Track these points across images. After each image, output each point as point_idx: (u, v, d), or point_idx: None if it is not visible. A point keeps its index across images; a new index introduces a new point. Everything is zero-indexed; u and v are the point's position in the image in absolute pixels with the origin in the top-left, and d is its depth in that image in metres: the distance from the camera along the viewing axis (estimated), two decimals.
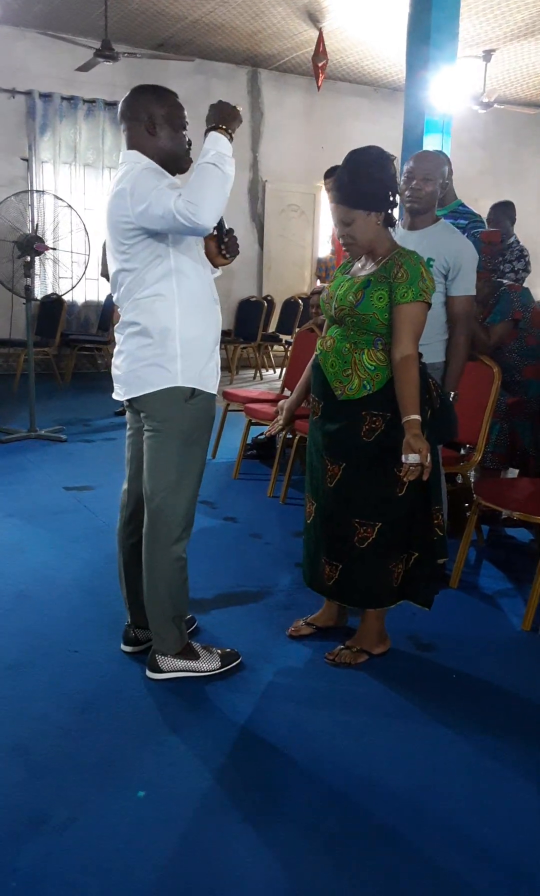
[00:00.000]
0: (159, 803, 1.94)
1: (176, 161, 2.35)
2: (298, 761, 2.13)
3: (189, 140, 2.37)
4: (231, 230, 2.45)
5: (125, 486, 2.58)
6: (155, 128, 2.30)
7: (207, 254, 2.43)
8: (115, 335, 2.45)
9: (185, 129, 2.36)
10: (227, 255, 2.46)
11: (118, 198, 2.23)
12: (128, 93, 2.35)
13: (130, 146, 2.33)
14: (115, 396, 2.47)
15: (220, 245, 2.44)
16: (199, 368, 2.35)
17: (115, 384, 2.45)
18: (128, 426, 2.56)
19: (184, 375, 2.32)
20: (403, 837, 1.87)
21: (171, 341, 2.30)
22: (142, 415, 2.40)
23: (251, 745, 2.19)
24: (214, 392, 2.43)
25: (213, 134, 2.21)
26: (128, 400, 2.41)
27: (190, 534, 2.46)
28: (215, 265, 2.45)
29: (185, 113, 2.35)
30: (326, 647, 2.70)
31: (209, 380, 2.39)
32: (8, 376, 8.19)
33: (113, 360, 2.46)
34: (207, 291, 2.37)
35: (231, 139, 2.22)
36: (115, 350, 2.43)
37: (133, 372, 2.35)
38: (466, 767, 2.13)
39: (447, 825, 1.91)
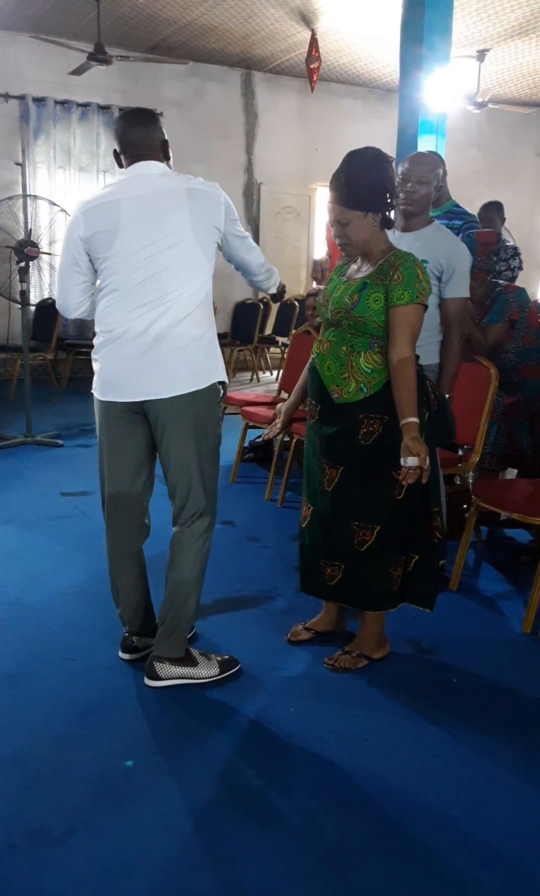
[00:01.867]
0: (158, 812, 1.92)
1: None
2: (297, 767, 2.11)
3: None
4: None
5: (115, 490, 2.47)
6: (168, 151, 2.43)
7: None
8: (136, 332, 2.31)
9: None
10: None
11: (207, 199, 2.33)
12: (128, 121, 2.37)
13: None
14: (130, 399, 2.34)
15: None
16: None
17: (126, 387, 2.33)
18: (116, 434, 2.43)
19: (222, 371, 2.43)
20: (404, 841, 1.85)
21: (212, 337, 2.40)
22: (170, 415, 2.32)
23: (250, 752, 2.17)
24: None
25: None
26: (135, 402, 2.34)
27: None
28: None
29: None
30: (325, 652, 2.68)
31: None
32: (4, 381, 8.17)
33: (130, 359, 2.32)
34: None
35: None
36: (137, 352, 2.31)
37: (183, 369, 2.30)
38: (467, 771, 2.12)
39: (448, 828, 1.90)
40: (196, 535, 2.44)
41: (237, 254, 2.50)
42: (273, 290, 2.73)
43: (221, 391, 2.43)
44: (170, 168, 2.43)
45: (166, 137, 2.42)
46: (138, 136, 2.35)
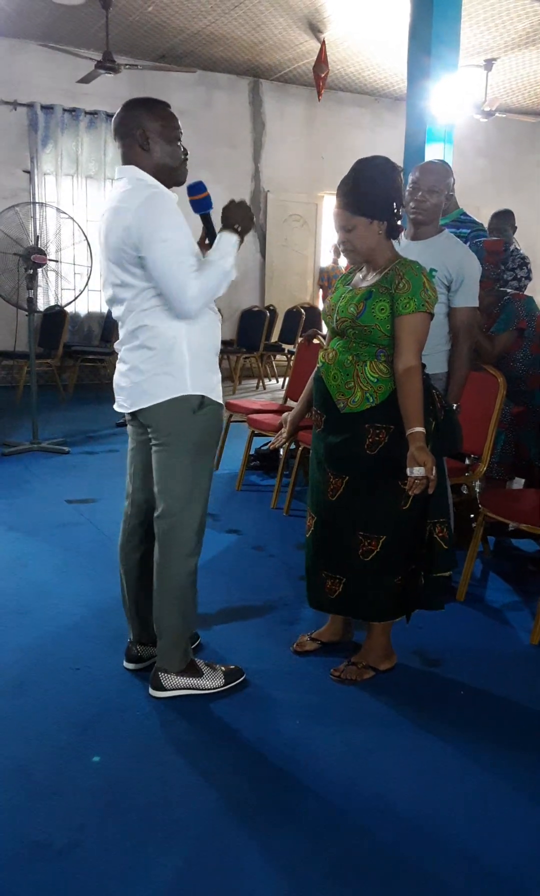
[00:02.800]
0: (162, 825, 1.90)
1: (171, 174, 2.34)
2: (302, 779, 2.09)
3: (184, 150, 2.36)
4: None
5: (128, 500, 2.55)
6: (149, 142, 2.29)
7: None
8: (116, 348, 2.43)
9: (179, 140, 2.34)
10: None
11: (122, 218, 2.21)
12: (120, 108, 2.33)
13: (126, 162, 2.32)
14: (118, 409, 2.44)
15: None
16: (208, 377, 2.36)
17: (117, 397, 2.44)
18: (130, 439, 2.54)
19: (193, 384, 2.32)
20: (407, 856, 1.83)
21: (178, 350, 2.29)
22: (148, 428, 2.37)
23: (255, 764, 2.16)
24: (221, 402, 2.43)
25: (226, 234, 2.32)
26: (132, 413, 2.39)
27: (201, 547, 2.44)
28: None
29: (179, 123, 2.34)
30: (331, 662, 2.66)
31: (216, 389, 2.40)
32: (10, 388, 8.18)
33: (116, 372, 2.44)
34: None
35: (242, 240, 2.34)
36: (119, 363, 2.42)
37: (141, 384, 2.32)
38: (473, 785, 2.10)
39: (452, 844, 1.87)
40: (167, 547, 2.39)
41: (156, 278, 2.20)
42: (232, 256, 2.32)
43: (197, 404, 2.31)
44: (149, 163, 2.29)
45: (151, 124, 2.27)
46: (116, 125, 2.32)
